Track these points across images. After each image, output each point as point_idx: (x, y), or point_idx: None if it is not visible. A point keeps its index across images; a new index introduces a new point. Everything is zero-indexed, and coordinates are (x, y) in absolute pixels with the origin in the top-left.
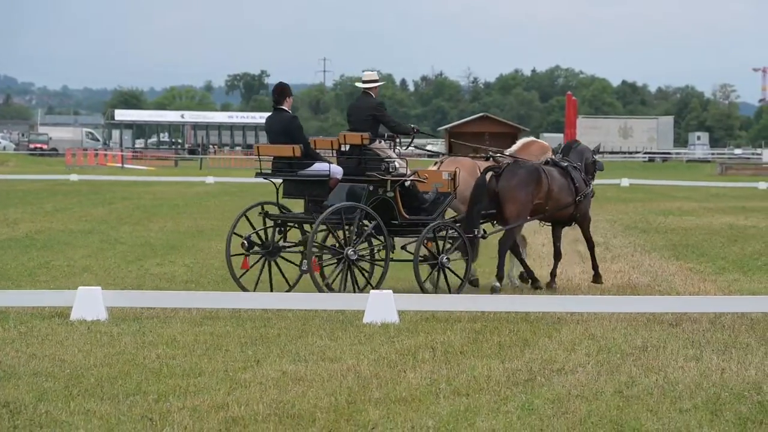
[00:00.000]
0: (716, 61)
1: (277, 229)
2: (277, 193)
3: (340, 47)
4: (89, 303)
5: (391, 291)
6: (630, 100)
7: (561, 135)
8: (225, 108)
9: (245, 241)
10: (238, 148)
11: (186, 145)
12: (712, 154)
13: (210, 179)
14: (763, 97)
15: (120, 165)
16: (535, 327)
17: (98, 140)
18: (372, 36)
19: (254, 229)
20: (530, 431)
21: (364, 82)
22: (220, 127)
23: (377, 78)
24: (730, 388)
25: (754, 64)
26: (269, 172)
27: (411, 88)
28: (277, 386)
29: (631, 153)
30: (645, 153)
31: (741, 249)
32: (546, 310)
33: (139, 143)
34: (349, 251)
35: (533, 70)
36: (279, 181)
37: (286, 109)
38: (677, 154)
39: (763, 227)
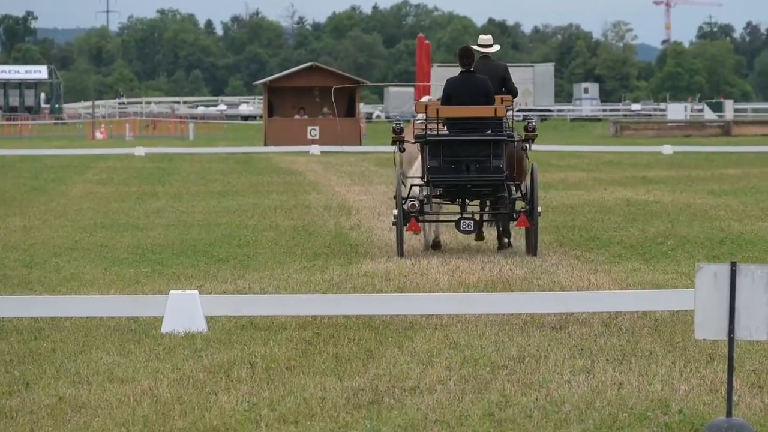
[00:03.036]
0: None
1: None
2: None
3: None
4: None
5: (197, 292)
6: (499, 43)
7: (411, 89)
8: None
9: (416, 202)
10: None
11: None
12: (604, 110)
13: None
14: (667, 37)
15: None
16: (381, 335)
17: None
18: None
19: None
20: None
21: (482, 46)
22: None
23: (493, 42)
24: (629, 407)
25: None
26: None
27: (219, 31)
28: (53, 416)
29: None
30: (518, 110)
31: (641, 231)
32: (395, 313)
33: None
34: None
35: (375, 7)
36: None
37: (474, 70)
38: (559, 111)
39: (668, 203)
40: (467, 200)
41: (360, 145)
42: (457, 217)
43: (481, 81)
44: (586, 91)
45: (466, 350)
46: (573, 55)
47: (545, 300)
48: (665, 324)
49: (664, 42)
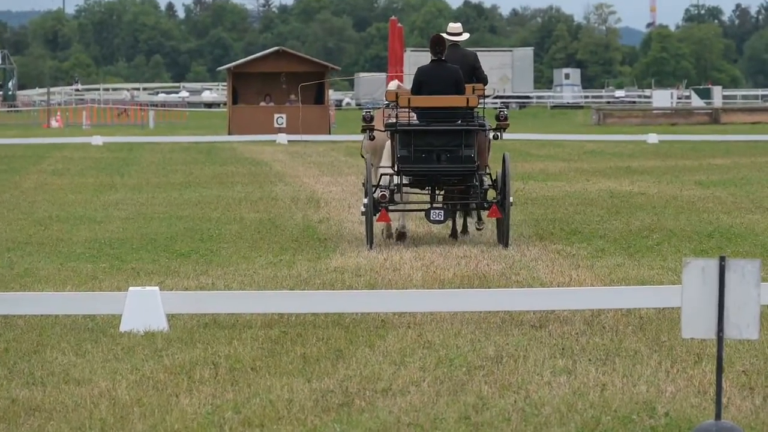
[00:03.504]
0: None
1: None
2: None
3: None
4: None
5: (157, 288)
6: (475, 26)
7: (383, 75)
8: None
9: (386, 192)
10: None
11: None
12: (586, 97)
13: None
14: (652, 20)
15: None
16: (351, 333)
17: None
18: None
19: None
20: None
21: (452, 34)
22: None
23: (463, 30)
24: (613, 409)
25: None
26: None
27: (181, 14)
28: (5, 419)
29: None
30: (496, 97)
31: (625, 224)
32: (366, 311)
33: None
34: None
35: None
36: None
37: (445, 59)
38: (539, 98)
39: (654, 194)
40: (437, 189)
41: (329, 134)
42: (427, 206)
43: (453, 70)
44: (567, 77)
45: (441, 350)
46: (553, 39)
47: (524, 297)
48: (650, 322)
49: (649, 25)
